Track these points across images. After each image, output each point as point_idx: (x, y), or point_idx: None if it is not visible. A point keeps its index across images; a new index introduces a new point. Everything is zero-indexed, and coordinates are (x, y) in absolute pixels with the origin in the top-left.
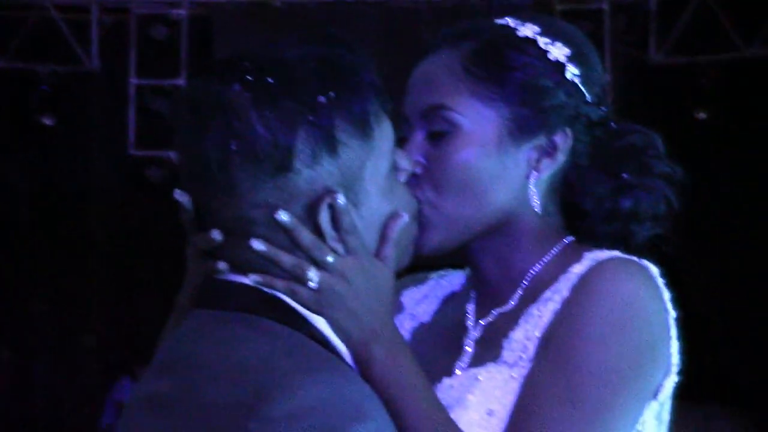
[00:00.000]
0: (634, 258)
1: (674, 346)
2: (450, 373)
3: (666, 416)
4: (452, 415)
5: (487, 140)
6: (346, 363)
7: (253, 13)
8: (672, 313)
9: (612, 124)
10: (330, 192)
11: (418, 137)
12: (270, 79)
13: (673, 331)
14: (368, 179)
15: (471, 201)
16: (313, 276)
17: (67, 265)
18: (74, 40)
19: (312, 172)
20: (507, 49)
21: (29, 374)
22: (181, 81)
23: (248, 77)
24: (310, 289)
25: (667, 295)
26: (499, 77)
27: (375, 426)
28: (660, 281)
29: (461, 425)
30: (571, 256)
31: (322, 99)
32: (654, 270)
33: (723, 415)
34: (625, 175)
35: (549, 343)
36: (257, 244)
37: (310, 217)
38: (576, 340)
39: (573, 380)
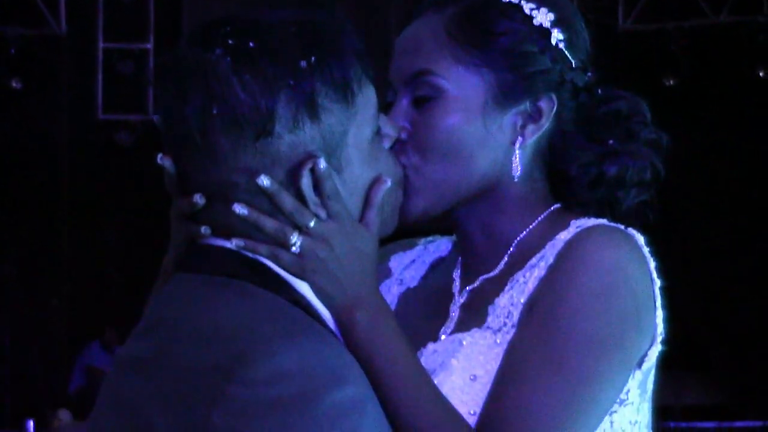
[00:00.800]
0: (620, 226)
1: (659, 316)
2: (435, 338)
3: (650, 386)
4: (435, 380)
5: (472, 105)
6: (329, 328)
7: None
8: (657, 282)
9: (598, 90)
10: (311, 157)
11: (403, 103)
12: (251, 44)
13: (659, 301)
14: (351, 144)
15: (455, 166)
16: (295, 240)
17: (35, 229)
18: (42, 3)
19: (293, 136)
20: (491, 13)
21: (1, 340)
22: (149, 45)
23: (229, 41)
24: (292, 253)
25: (652, 263)
26: (483, 42)
27: (353, 391)
28: (645, 250)
29: (444, 390)
30: (558, 223)
31: (303, 63)
32: (640, 238)
33: (694, 379)
34: (610, 142)
35: (532, 309)
36: (239, 208)
37: (292, 182)
38: (559, 307)
39: (556, 347)
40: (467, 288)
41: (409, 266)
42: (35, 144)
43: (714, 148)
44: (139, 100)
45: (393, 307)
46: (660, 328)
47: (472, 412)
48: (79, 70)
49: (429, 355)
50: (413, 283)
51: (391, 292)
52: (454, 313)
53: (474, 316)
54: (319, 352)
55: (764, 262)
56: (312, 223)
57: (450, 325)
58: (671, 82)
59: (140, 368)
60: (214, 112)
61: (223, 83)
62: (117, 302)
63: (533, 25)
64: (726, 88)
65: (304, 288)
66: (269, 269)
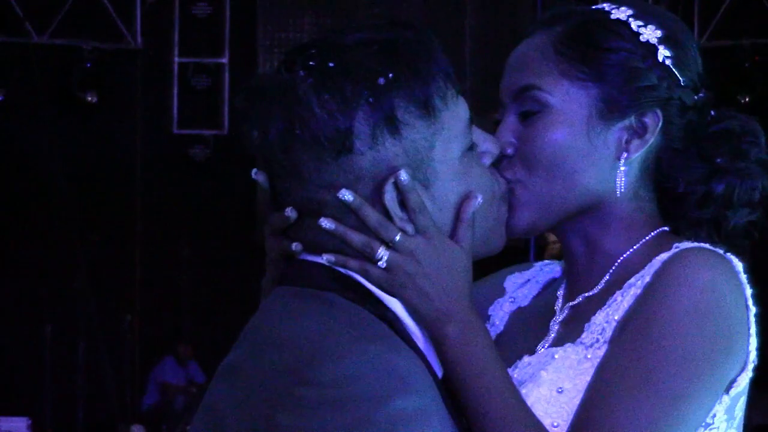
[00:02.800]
0: (720, 250)
1: (753, 343)
2: (532, 352)
3: (739, 413)
4: (524, 390)
5: (577, 119)
6: (414, 345)
7: None
8: (753, 309)
9: (711, 111)
10: (394, 171)
11: (510, 118)
12: (331, 63)
13: (753, 327)
14: (438, 160)
15: (560, 179)
16: (381, 254)
17: (110, 244)
18: (118, 17)
19: (374, 153)
20: (598, 30)
21: (73, 351)
22: (224, 59)
23: (311, 63)
24: (381, 268)
25: (749, 290)
26: (589, 57)
27: (419, 400)
28: (743, 276)
29: (530, 401)
30: (661, 245)
31: (381, 80)
32: (738, 264)
33: (764, 399)
34: (718, 160)
35: (626, 326)
36: (326, 223)
37: (378, 198)
38: (652, 325)
39: (646, 365)
40: (568, 304)
41: (523, 285)
42: (110, 158)
43: None
44: (214, 114)
45: (503, 323)
46: (753, 355)
47: (555, 424)
48: (154, 85)
49: (523, 368)
50: (525, 302)
51: (503, 309)
52: (554, 328)
53: (571, 332)
54: (388, 359)
55: None
56: (398, 238)
57: (548, 339)
58: (746, 99)
59: (229, 375)
60: (296, 131)
61: (303, 103)
62: (190, 317)
63: (640, 41)
64: None
65: (396, 305)
66: (360, 285)
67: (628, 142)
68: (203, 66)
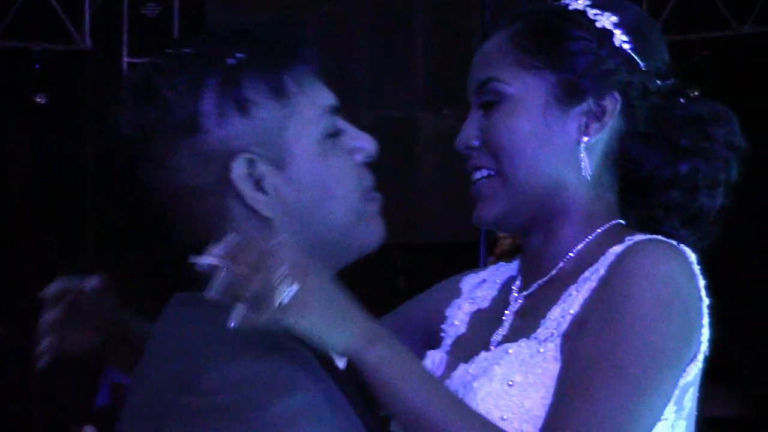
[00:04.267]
0: (673, 242)
1: (705, 334)
2: (488, 346)
3: (688, 404)
4: (476, 385)
5: (533, 106)
6: (298, 341)
7: None
8: (705, 300)
9: (680, 98)
10: (244, 150)
11: (474, 113)
12: (186, 50)
13: (705, 318)
14: (292, 141)
15: (524, 167)
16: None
17: (61, 244)
18: (67, 18)
19: (223, 131)
20: (554, 20)
21: (25, 353)
22: None
23: (169, 50)
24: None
25: (702, 281)
26: (545, 46)
27: (304, 398)
28: (696, 267)
29: (481, 394)
30: (614, 238)
31: (230, 60)
32: (691, 255)
33: (721, 392)
34: (683, 142)
35: (588, 320)
36: (202, 260)
37: (228, 179)
38: (617, 318)
39: (617, 356)
40: (522, 294)
41: (479, 286)
42: (59, 157)
43: (744, 161)
44: None
45: (464, 324)
46: (704, 346)
47: (505, 417)
48: (104, 85)
49: (479, 363)
50: (485, 304)
51: (462, 310)
52: (509, 319)
53: (526, 326)
54: (272, 361)
55: None
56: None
57: (502, 330)
58: (695, 93)
59: (131, 388)
60: (151, 117)
61: (157, 89)
62: (143, 318)
63: (596, 27)
64: (750, 98)
65: None
66: None
67: (587, 126)
68: None
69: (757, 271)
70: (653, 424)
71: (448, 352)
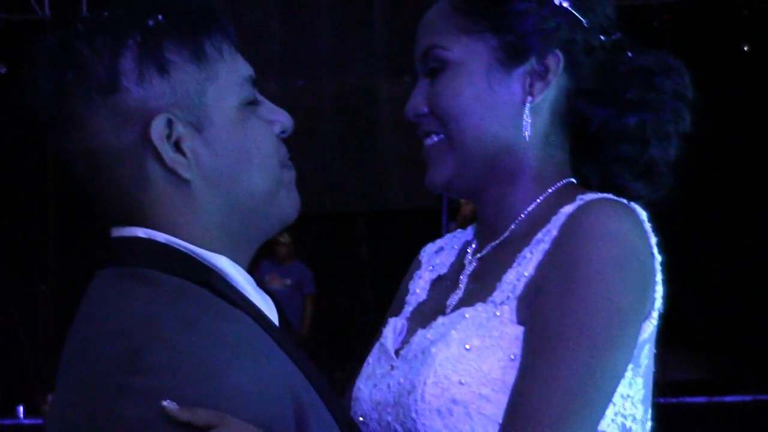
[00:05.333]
0: (624, 200)
1: (659, 291)
2: (444, 311)
3: (645, 361)
4: (434, 350)
5: (476, 70)
6: (245, 298)
7: None
8: (658, 258)
9: (628, 53)
10: (163, 110)
11: (420, 81)
12: (105, 13)
13: (659, 275)
14: (211, 105)
15: (470, 129)
16: None
17: (24, 214)
18: None
19: (142, 90)
20: None
21: None
22: None
23: (88, 15)
24: None
25: (654, 239)
26: (485, 10)
27: (253, 365)
28: (647, 225)
29: (439, 359)
30: (565, 197)
31: (150, 22)
32: (642, 213)
33: (681, 356)
34: (629, 95)
35: (546, 283)
36: (168, 403)
37: (150, 141)
38: (576, 280)
39: (579, 318)
40: (476, 256)
41: (437, 253)
42: (21, 124)
43: (699, 122)
44: None
45: (425, 292)
46: (658, 303)
47: (462, 382)
48: None
49: (437, 328)
50: (444, 270)
51: (423, 278)
52: (463, 282)
53: (481, 289)
54: (217, 331)
55: (751, 241)
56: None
57: (458, 294)
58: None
59: (65, 367)
60: (67, 77)
61: (74, 49)
62: None
63: None
64: (711, 62)
65: (221, 261)
66: (178, 251)
67: (531, 86)
68: None
69: (723, 237)
70: (618, 381)
71: (408, 319)
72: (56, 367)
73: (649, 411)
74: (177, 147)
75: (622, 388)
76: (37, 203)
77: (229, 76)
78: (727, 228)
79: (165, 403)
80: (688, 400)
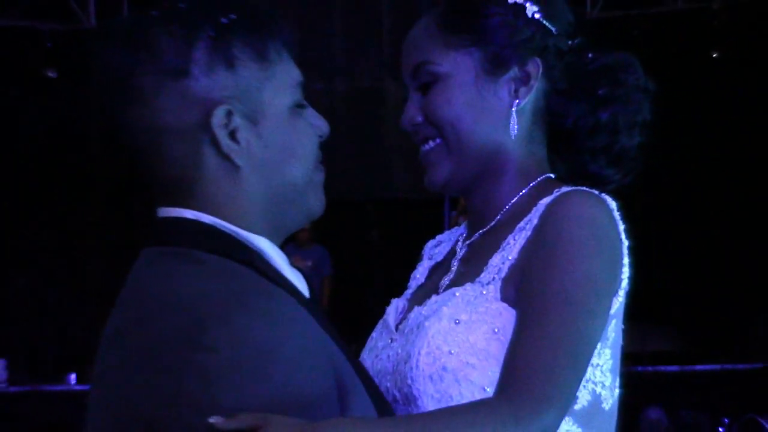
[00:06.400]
0: (595, 191)
1: (626, 272)
2: (438, 290)
3: (612, 334)
4: (427, 324)
5: (465, 80)
6: (281, 275)
7: None
8: (625, 242)
9: (588, 53)
10: (225, 101)
11: (413, 95)
12: (182, 5)
13: (626, 258)
14: (267, 102)
15: (465, 134)
16: None
17: (73, 202)
18: (73, 2)
19: (208, 80)
20: (471, 2)
21: (43, 302)
22: None
23: (164, 4)
24: None
25: (622, 225)
26: (467, 26)
27: (300, 341)
28: (616, 213)
29: (432, 332)
30: (544, 190)
31: (224, 20)
32: (612, 203)
33: (656, 329)
34: (600, 92)
35: (531, 263)
36: (214, 420)
37: (208, 124)
38: (557, 257)
39: (564, 288)
40: (467, 243)
41: (436, 246)
42: (69, 125)
43: (674, 121)
44: None
45: (423, 276)
46: (625, 282)
47: (452, 351)
48: None
49: (430, 305)
50: (440, 258)
51: (423, 266)
52: (455, 265)
53: (470, 271)
54: (268, 311)
55: (719, 231)
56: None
57: (450, 275)
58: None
59: (115, 339)
60: (140, 56)
61: (149, 33)
62: None
63: (508, 3)
64: (684, 68)
65: (261, 242)
66: (223, 232)
67: (516, 90)
68: None
69: (696, 227)
70: (595, 344)
71: (408, 299)
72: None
73: (618, 380)
74: (232, 136)
75: (595, 358)
76: (83, 194)
77: (284, 78)
78: (698, 219)
79: (211, 419)
80: (664, 368)
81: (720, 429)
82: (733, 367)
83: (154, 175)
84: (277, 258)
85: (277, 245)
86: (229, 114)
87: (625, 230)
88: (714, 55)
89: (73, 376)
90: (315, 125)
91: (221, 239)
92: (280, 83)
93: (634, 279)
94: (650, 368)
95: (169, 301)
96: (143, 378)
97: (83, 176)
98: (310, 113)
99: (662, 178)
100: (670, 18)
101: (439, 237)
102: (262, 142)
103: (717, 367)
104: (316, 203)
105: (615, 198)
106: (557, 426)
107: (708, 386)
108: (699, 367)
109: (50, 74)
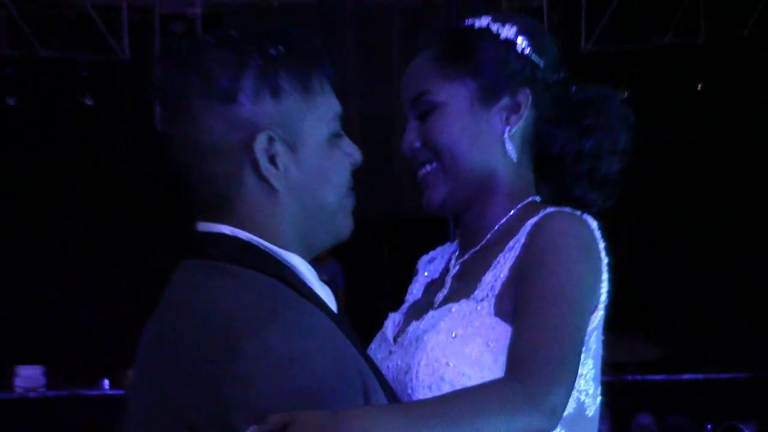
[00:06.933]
0: (577, 212)
1: (605, 287)
2: (433, 305)
3: (593, 345)
4: (425, 338)
5: (461, 108)
6: (311, 291)
7: (255, 10)
8: (605, 260)
9: (572, 87)
10: (268, 127)
11: (412, 123)
12: (234, 33)
13: (605, 274)
14: (307, 132)
15: (461, 158)
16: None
17: (105, 221)
18: (109, 34)
19: (254, 107)
20: (467, 37)
21: (78, 312)
22: None
23: (217, 31)
24: None
25: (602, 244)
26: (463, 60)
27: (328, 358)
28: (597, 232)
29: (431, 345)
30: (530, 212)
31: (272, 51)
32: (593, 222)
33: (644, 339)
34: (586, 121)
35: (524, 273)
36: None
37: (250, 148)
38: (546, 262)
39: (554, 288)
40: (460, 260)
41: (431, 262)
42: (103, 149)
43: (662, 146)
44: None
45: (420, 292)
46: (604, 296)
47: (450, 363)
48: (139, 89)
49: (428, 320)
50: (435, 275)
51: (419, 282)
52: (448, 282)
53: (464, 288)
54: (299, 322)
55: (706, 247)
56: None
57: (444, 291)
58: (625, 94)
59: (158, 347)
60: (193, 80)
61: (203, 58)
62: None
63: (500, 39)
64: (670, 98)
65: (294, 259)
66: (258, 248)
67: (507, 118)
68: None
69: (680, 242)
70: (584, 339)
71: (404, 314)
72: (134, 348)
73: (599, 388)
74: (272, 160)
75: (579, 368)
76: (116, 213)
77: (325, 110)
78: (684, 238)
79: (249, 430)
80: (652, 377)
81: None
82: (716, 376)
83: (196, 191)
84: (308, 274)
85: (308, 261)
86: (270, 140)
87: (613, 247)
88: (698, 87)
89: (106, 382)
90: (349, 154)
91: (256, 255)
92: (320, 114)
93: (623, 292)
94: (639, 377)
95: (207, 312)
96: (185, 384)
97: (115, 196)
98: (346, 143)
99: (651, 198)
100: (657, 52)
101: (432, 253)
102: (300, 168)
103: (701, 376)
104: (344, 226)
105: (605, 217)
106: (566, 404)
107: (693, 394)
108: (685, 376)
109: (87, 101)
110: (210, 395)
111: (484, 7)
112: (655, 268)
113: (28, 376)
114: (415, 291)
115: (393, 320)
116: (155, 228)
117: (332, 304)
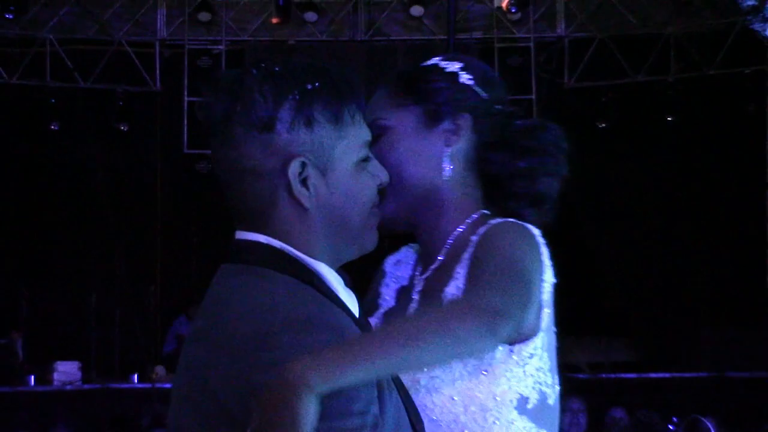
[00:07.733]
0: (522, 223)
1: (546, 289)
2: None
3: (546, 339)
4: None
5: (406, 131)
6: (336, 297)
7: (275, 48)
8: (546, 263)
9: (517, 120)
10: (299, 155)
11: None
12: (276, 68)
13: (548, 275)
14: (337, 158)
15: (406, 174)
16: None
17: (139, 236)
18: (142, 68)
19: (290, 136)
20: (416, 72)
21: (112, 314)
22: None
23: (262, 65)
24: None
25: (545, 249)
26: (411, 90)
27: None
28: (539, 237)
29: None
30: (480, 224)
31: (308, 86)
32: (535, 230)
33: (617, 342)
34: (519, 143)
35: (473, 266)
36: None
37: (284, 172)
38: (496, 247)
39: (503, 260)
40: (422, 277)
41: (396, 265)
42: (137, 170)
43: (635, 171)
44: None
45: (393, 299)
46: (546, 296)
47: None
48: (170, 117)
49: None
50: (405, 282)
51: (390, 287)
52: (415, 299)
53: (430, 302)
54: (325, 321)
55: (676, 259)
56: None
57: (413, 305)
58: (603, 125)
59: (198, 338)
60: (237, 108)
61: (246, 89)
62: (199, 288)
63: (445, 72)
64: (644, 129)
65: (321, 267)
66: (290, 256)
67: (448, 139)
68: None
69: (653, 256)
70: (534, 311)
71: (380, 319)
72: (161, 346)
73: (556, 378)
74: (304, 182)
75: (537, 362)
76: (148, 229)
77: (354, 139)
78: (653, 250)
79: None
80: (624, 375)
81: (670, 426)
82: (681, 375)
83: (236, 205)
84: (334, 281)
85: (333, 270)
86: (303, 165)
87: (590, 260)
88: (669, 119)
89: (135, 376)
90: (375, 175)
91: (288, 261)
92: (350, 143)
93: (599, 299)
94: (613, 376)
95: (244, 310)
96: (222, 372)
97: (147, 213)
98: (373, 165)
99: (626, 216)
100: (632, 88)
101: (397, 255)
102: (329, 189)
103: (668, 375)
104: (369, 241)
105: (587, 235)
106: (510, 336)
107: (661, 391)
108: (653, 374)
109: (122, 128)
110: (241, 382)
111: (477, 47)
112: (627, 279)
113: (66, 371)
114: (388, 297)
115: (373, 325)
116: (184, 242)
117: (355, 309)
